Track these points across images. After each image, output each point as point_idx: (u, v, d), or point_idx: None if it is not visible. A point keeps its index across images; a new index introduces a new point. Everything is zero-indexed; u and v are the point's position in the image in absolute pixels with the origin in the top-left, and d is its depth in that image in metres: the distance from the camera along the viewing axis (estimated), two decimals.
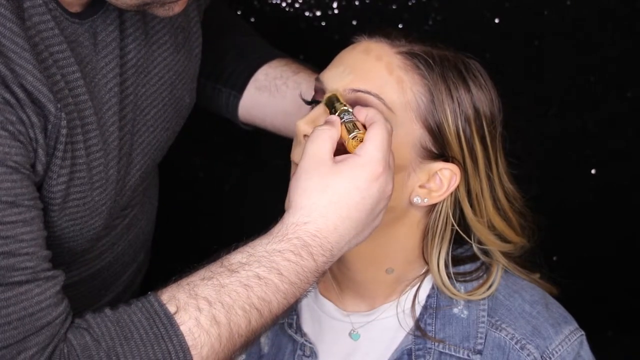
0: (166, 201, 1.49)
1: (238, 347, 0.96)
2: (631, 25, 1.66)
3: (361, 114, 1.01)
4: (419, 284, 1.14)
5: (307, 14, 1.63)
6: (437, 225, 1.10)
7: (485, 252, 1.15)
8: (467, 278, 1.14)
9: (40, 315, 0.92)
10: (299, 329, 1.18)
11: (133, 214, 1.27)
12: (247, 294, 0.94)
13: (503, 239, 1.13)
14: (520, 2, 1.63)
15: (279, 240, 0.96)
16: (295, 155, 1.07)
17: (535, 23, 1.65)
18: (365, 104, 1.04)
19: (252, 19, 1.64)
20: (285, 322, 1.18)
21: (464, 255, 1.15)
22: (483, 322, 1.11)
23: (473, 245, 1.13)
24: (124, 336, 0.93)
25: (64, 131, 0.98)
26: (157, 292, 0.96)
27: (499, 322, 1.11)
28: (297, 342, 1.17)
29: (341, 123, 1.00)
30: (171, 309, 0.94)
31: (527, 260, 1.18)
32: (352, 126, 1.00)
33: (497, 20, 1.63)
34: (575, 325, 1.13)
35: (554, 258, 1.74)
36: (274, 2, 1.63)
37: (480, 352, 1.10)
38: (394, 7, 1.62)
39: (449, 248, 1.12)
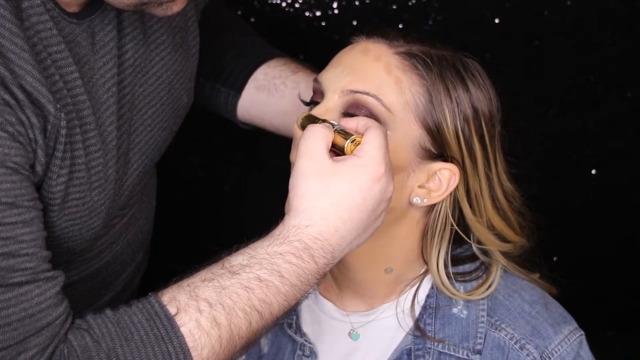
0: (165, 200, 1.49)
1: (238, 348, 0.96)
2: (631, 25, 1.66)
3: (351, 123, 1.01)
4: (418, 283, 1.14)
5: (307, 14, 1.63)
6: (437, 225, 1.10)
7: (485, 252, 1.15)
8: (467, 278, 1.14)
9: (40, 316, 0.92)
10: (298, 329, 1.18)
11: (131, 214, 1.27)
12: (248, 295, 0.94)
13: (502, 238, 1.13)
14: (520, 2, 1.63)
15: (280, 243, 0.96)
16: (294, 156, 1.07)
17: (535, 23, 1.65)
18: (363, 105, 1.04)
19: (252, 19, 1.64)
20: (285, 322, 1.18)
21: (463, 255, 1.15)
22: (482, 322, 1.11)
23: (472, 245, 1.13)
24: (124, 337, 0.93)
25: (63, 131, 0.98)
26: (157, 293, 0.96)
27: (498, 322, 1.11)
28: (296, 342, 1.17)
29: (334, 131, 1.00)
30: (172, 310, 0.94)
31: (526, 260, 1.18)
32: (345, 133, 1.00)
33: (497, 20, 1.63)
34: (575, 325, 1.13)
35: (554, 258, 1.74)
36: (274, 2, 1.63)
37: (479, 352, 1.10)
38: (394, 7, 1.62)
39: (448, 248, 1.12)
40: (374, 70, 1.05)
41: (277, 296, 0.95)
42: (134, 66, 1.13)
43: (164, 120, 1.22)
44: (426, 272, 1.14)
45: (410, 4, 1.62)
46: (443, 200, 1.08)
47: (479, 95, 1.07)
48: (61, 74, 1.00)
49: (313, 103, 1.10)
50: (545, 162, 1.73)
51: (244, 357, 1.21)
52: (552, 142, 1.74)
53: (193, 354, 0.93)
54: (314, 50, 1.52)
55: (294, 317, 1.18)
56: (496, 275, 1.14)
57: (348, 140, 0.99)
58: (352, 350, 1.15)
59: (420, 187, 1.07)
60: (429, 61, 1.05)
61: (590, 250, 1.80)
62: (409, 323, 1.13)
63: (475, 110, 1.06)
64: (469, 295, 1.12)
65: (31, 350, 0.91)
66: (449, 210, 1.09)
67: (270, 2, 1.63)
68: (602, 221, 1.79)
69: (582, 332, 1.13)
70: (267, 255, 0.95)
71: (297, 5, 1.63)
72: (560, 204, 1.73)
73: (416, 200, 1.07)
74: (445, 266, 1.12)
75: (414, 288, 1.14)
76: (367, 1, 1.62)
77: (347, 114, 1.04)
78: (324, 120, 1.02)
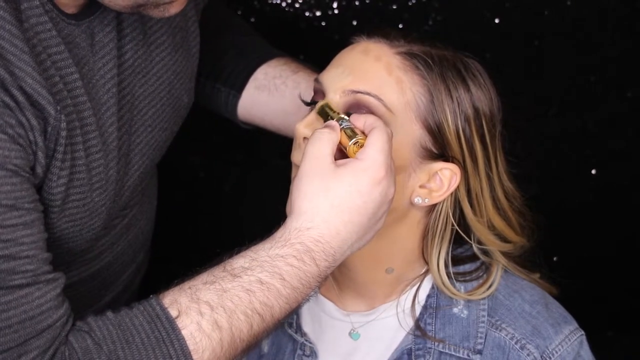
0: (165, 201, 1.49)
1: (239, 351, 0.96)
2: (631, 25, 1.66)
3: (359, 120, 1.01)
4: (418, 283, 1.14)
5: (307, 14, 1.63)
6: (437, 225, 1.10)
7: (485, 252, 1.15)
8: (467, 278, 1.14)
9: (41, 319, 0.92)
10: (299, 329, 1.18)
11: (132, 214, 1.27)
12: (249, 298, 0.94)
13: (503, 238, 1.13)
14: (520, 2, 1.63)
15: (281, 246, 0.96)
16: (295, 157, 1.07)
17: (535, 23, 1.65)
18: (364, 105, 1.04)
19: (252, 19, 1.64)
20: (285, 321, 1.18)
21: (463, 255, 1.15)
22: (483, 322, 1.11)
23: (473, 245, 1.13)
24: (125, 340, 0.93)
25: (63, 133, 0.98)
26: (159, 296, 0.96)
27: (499, 322, 1.11)
28: (297, 341, 1.17)
29: (340, 129, 1.00)
30: (173, 313, 0.94)
31: (527, 260, 1.18)
32: (351, 132, 1.00)
33: (497, 20, 1.63)
34: (575, 325, 1.13)
35: (554, 258, 1.74)
36: (274, 2, 1.63)
37: (480, 352, 1.10)
38: (394, 7, 1.62)
39: (448, 248, 1.12)
40: (374, 71, 1.05)
41: (278, 299, 0.95)
42: (134, 67, 1.13)
43: (165, 120, 1.21)
44: (427, 272, 1.14)
45: (410, 4, 1.62)
46: (444, 200, 1.08)
47: (479, 95, 1.07)
48: (61, 75, 1.00)
49: (314, 103, 1.10)
50: (545, 162, 1.73)
51: (244, 357, 1.21)
52: (552, 142, 1.74)
53: (194, 356, 0.93)
54: (314, 50, 1.52)
55: (295, 317, 1.18)
56: (497, 275, 1.14)
57: (350, 142, 0.99)
58: (353, 350, 1.15)
59: (421, 187, 1.07)
60: (430, 61, 1.05)
61: (590, 250, 1.80)
62: (410, 323, 1.13)
63: (476, 110, 1.06)
64: (470, 295, 1.12)
65: (32, 353, 0.91)
66: (449, 210, 1.09)
67: (270, 2, 1.63)
68: (602, 221, 1.79)
69: (583, 332, 1.13)
70: (268, 258, 0.95)
71: (297, 5, 1.63)
72: (560, 204, 1.73)
73: (417, 200, 1.07)
74: (446, 266, 1.12)
75: (415, 288, 1.14)
76: (367, 1, 1.62)
77: (348, 114, 1.04)
78: (337, 113, 1.02)
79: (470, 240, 1.12)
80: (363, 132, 1.00)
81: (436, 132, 1.05)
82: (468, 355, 1.10)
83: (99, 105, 1.07)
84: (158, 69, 1.18)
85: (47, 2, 0.99)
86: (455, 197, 1.09)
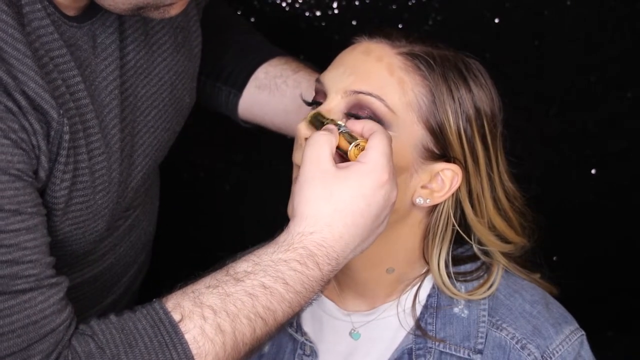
0: (166, 201, 1.49)
1: (242, 355, 0.96)
2: (631, 25, 1.66)
3: (357, 125, 1.01)
4: (419, 283, 1.14)
5: (307, 14, 1.63)
6: (438, 226, 1.10)
7: (486, 252, 1.15)
8: (468, 278, 1.14)
9: (44, 323, 0.92)
10: (299, 328, 1.18)
11: (135, 215, 1.27)
12: (252, 303, 0.94)
13: (503, 239, 1.13)
14: (520, 2, 1.63)
15: (284, 250, 0.96)
16: (296, 157, 1.07)
17: (535, 23, 1.65)
18: (366, 106, 1.04)
19: (252, 19, 1.64)
20: None
21: (464, 255, 1.15)
22: (484, 322, 1.11)
23: (473, 245, 1.13)
24: (128, 344, 0.93)
25: (66, 137, 0.98)
26: (162, 300, 0.96)
27: (499, 322, 1.11)
28: (297, 341, 1.17)
29: (339, 133, 1.00)
30: (176, 317, 0.94)
31: (527, 260, 1.18)
32: (349, 136, 1.00)
33: (497, 20, 1.63)
34: (576, 325, 1.13)
35: (554, 258, 1.74)
36: (274, 2, 1.63)
37: (480, 352, 1.10)
38: (394, 7, 1.62)
39: (449, 248, 1.12)
40: (376, 71, 1.05)
41: (281, 303, 0.95)
42: (136, 68, 1.13)
43: (167, 121, 1.21)
44: (427, 272, 1.14)
45: (410, 4, 1.62)
46: (445, 200, 1.08)
47: (481, 96, 1.07)
48: (63, 78, 1.00)
49: (315, 103, 1.10)
50: (545, 163, 1.73)
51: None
52: (552, 142, 1.74)
53: None
54: (314, 50, 1.52)
55: (295, 316, 1.18)
56: (497, 275, 1.14)
57: (352, 145, 0.99)
58: (353, 349, 1.15)
59: (423, 187, 1.07)
60: (432, 62, 1.05)
61: (590, 250, 1.80)
62: (410, 323, 1.13)
63: (477, 110, 1.06)
64: (470, 295, 1.12)
65: (35, 357, 0.91)
66: (450, 211, 1.09)
67: (270, 2, 1.63)
68: (602, 221, 1.79)
69: (583, 332, 1.13)
70: (271, 262, 0.95)
71: (297, 5, 1.63)
72: (560, 204, 1.73)
73: (419, 200, 1.07)
74: (446, 266, 1.12)
75: (415, 288, 1.14)
76: (367, 1, 1.62)
77: (350, 114, 1.04)
78: (331, 120, 1.02)
79: (471, 240, 1.12)
80: (362, 136, 1.00)
81: (438, 133, 1.05)
82: (469, 355, 1.10)
83: (102, 107, 1.07)
84: (160, 69, 1.18)
85: (49, 5, 0.99)
86: (456, 198, 1.09)
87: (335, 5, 1.62)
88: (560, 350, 1.09)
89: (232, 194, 1.80)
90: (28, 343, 0.91)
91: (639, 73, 1.69)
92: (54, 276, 0.94)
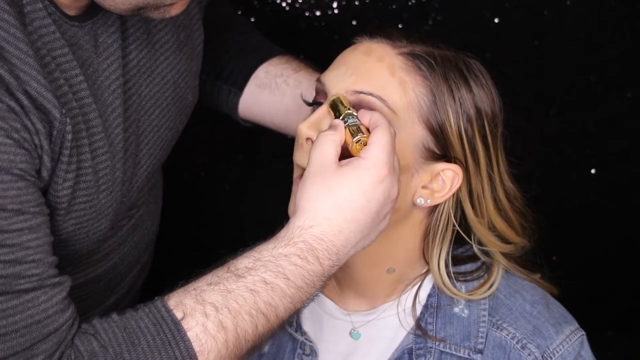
0: (167, 200, 1.49)
1: (244, 352, 0.96)
2: (631, 25, 1.66)
3: (365, 117, 1.01)
4: (419, 283, 1.14)
5: (307, 14, 1.63)
6: (439, 226, 1.10)
7: (486, 253, 1.15)
8: (468, 278, 1.14)
9: (47, 323, 0.92)
10: (299, 328, 1.18)
11: (139, 215, 1.27)
12: (253, 299, 0.94)
13: (504, 239, 1.13)
14: (520, 2, 1.63)
15: (285, 245, 0.96)
16: (297, 157, 1.07)
17: (535, 23, 1.65)
18: (367, 106, 1.04)
19: (252, 19, 1.64)
20: None
21: (464, 255, 1.15)
22: (484, 322, 1.11)
23: (473, 245, 1.13)
24: (131, 342, 0.93)
25: (69, 136, 0.98)
26: (164, 298, 0.96)
27: (499, 322, 1.11)
28: (297, 340, 1.17)
29: (345, 127, 1.00)
30: (178, 314, 0.94)
31: (527, 260, 1.18)
32: (356, 129, 0.99)
33: (497, 20, 1.63)
34: (576, 325, 1.13)
35: (554, 258, 1.74)
36: (274, 2, 1.63)
37: (481, 352, 1.10)
38: (394, 7, 1.62)
39: (449, 248, 1.12)
40: (377, 71, 1.05)
41: (282, 299, 0.95)
42: (139, 67, 1.13)
43: (170, 119, 1.21)
44: (427, 272, 1.14)
45: (410, 4, 1.62)
46: (445, 200, 1.08)
47: (481, 96, 1.07)
48: (66, 77, 1.00)
49: (316, 103, 1.10)
50: (545, 162, 1.73)
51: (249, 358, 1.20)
52: (552, 142, 1.74)
53: (200, 358, 0.93)
54: (314, 50, 1.52)
55: (295, 316, 1.18)
56: (497, 275, 1.14)
57: (353, 140, 0.99)
58: (353, 349, 1.15)
59: (423, 187, 1.07)
60: (433, 62, 1.05)
61: (590, 250, 1.80)
62: (410, 322, 1.13)
63: (478, 111, 1.06)
64: (470, 295, 1.12)
65: (38, 357, 0.91)
66: (451, 211, 1.09)
67: (270, 1, 1.63)
68: (602, 221, 1.79)
69: (584, 332, 1.13)
70: (272, 258, 0.95)
71: (297, 5, 1.63)
72: (560, 204, 1.73)
73: (420, 200, 1.07)
74: (446, 266, 1.12)
75: (416, 287, 1.14)
76: (367, 1, 1.62)
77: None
78: (347, 108, 1.02)
79: (471, 240, 1.12)
80: (368, 130, 1.00)
81: (438, 133, 1.05)
82: (469, 355, 1.10)
83: (105, 106, 1.07)
84: (163, 68, 1.18)
85: (50, 4, 0.99)
86: (456, 198, 1.09)
87: (335, 5, 1.62)
88: (560, 350, 1.09)
89: (232, 193, 1.80)
90: (31, 342, 0.91)
91: (639, 73, 1.69)
92: (56, 276, 0.94)
